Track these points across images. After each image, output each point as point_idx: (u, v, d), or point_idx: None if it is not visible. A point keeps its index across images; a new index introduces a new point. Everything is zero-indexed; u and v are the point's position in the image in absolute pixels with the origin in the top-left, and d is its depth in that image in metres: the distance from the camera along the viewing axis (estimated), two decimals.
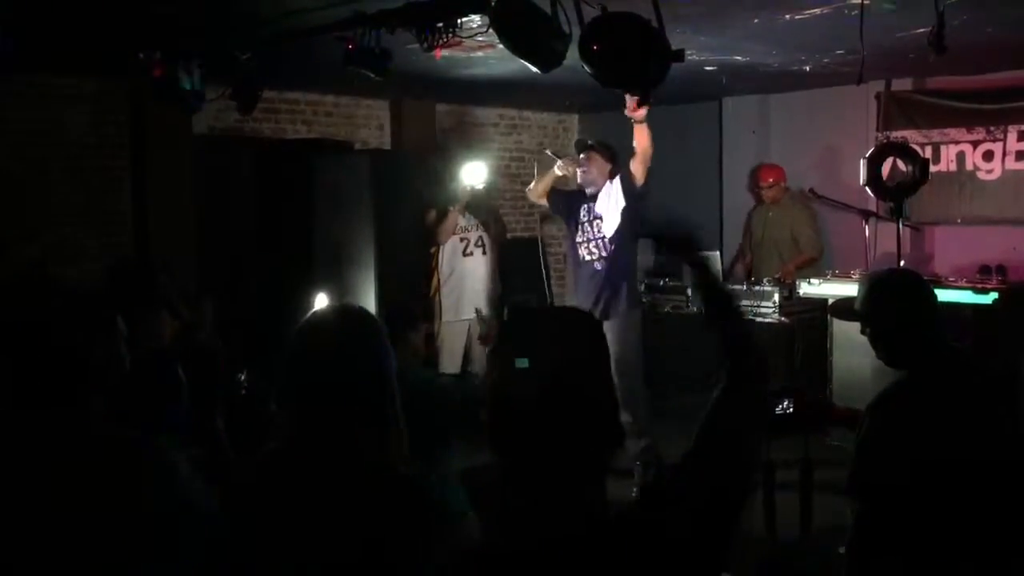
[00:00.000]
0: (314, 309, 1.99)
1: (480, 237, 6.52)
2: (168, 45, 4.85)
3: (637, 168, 5.26)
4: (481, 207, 6.60)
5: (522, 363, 1.38)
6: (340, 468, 1.83)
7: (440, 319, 6.47)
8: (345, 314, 2.05)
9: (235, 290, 6.21)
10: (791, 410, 2.81)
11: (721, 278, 1.77)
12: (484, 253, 6.52)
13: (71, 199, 6.26)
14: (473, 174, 6.31)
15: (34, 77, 6.02)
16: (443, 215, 6.39)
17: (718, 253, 6.94)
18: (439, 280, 6.51)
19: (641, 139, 5.22)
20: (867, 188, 5.96)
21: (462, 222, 6.46)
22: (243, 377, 3.48)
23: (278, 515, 1.82)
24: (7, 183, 5.91)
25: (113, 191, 6.47)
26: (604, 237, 5.42)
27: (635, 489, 5.12)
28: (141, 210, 6.49)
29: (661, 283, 7.12)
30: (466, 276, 6.47)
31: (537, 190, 5.77)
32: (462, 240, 6.48)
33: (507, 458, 1.42)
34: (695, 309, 6.88)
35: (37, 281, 1.97)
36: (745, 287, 6.65)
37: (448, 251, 6.48)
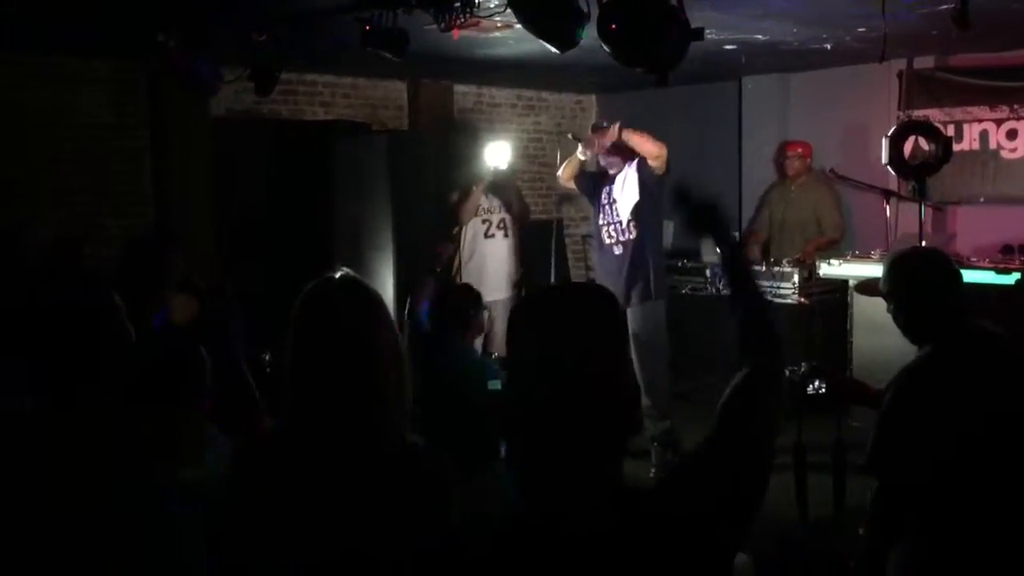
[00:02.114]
0: (311, 283, 1.94)
1: (503, 219, 6.50)
2: (186, 27, 4.86)
3: (653, 164, 5.27)
4: (504, 188, 6.58)
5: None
6: (341, 442, 1.81)
7: None
8: (338, 286, 1.98)
9: (254, 271, 6.23)
10: (823, 390, 2.79)
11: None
12: (506, 236, 6.51)
13: (91, 179, 6.30)
14: (496, 154, 6.30)
15: (54, 59, 6.05)
16: (466, 195, 6.38)
17: (737, 234, 6.90)
18: (460, 261, 6.51)
19: (640, 146, 5.28)
20: (889, 167, 5.91)
21: (485, 203, 6.44)
22: (267, 357, 3.49)
23: (286, 496, 1.79)
24: (28, 163, 5.96)
25: (133, 172, 6.51)
26: (621, 221, 5.43)
27: (652, 470, 5.13)
28: (161, 191, 6.52)
29: (680, 264, 7.10)
30: (487, 258, 6.46)
31: (564, 175, 5.80)
32: (484, 222, 6.47)
33: (522, 440, 1.42)
34: (714, 290, 6.86)
35: (56, 267, 1.98)
36: (764, 267, 6.61)
37: (470, 232, 6.47)
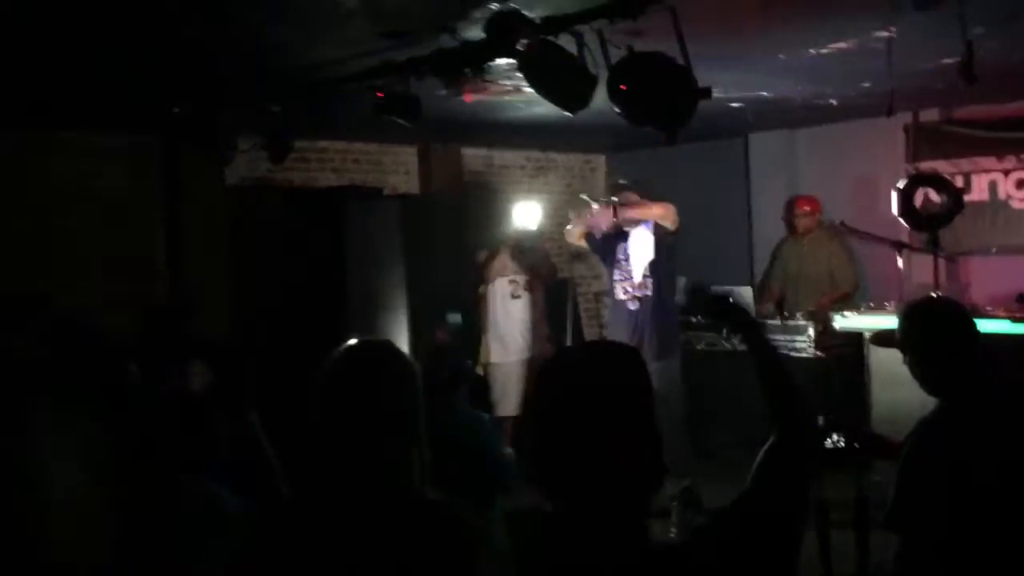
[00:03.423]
0: (337, 347, 1.95)
1: (529, 281, 6.54)
2: (201, 98, 4.95)
3: (664, 223, 5.34)
4: (532, 249, 6.62)
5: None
6: (366, 505, 1.80)
7: (489, 359, 6.51)
8: (363, 349, 1.99)
9: (270, 338, 6.24)
10: (842, 444, 2.77)
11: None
12: (532, 297, 6.54)
13: (108, 251, 6.35)
14: (525, 215, 6.34)
15: (69, 133, 6.15)
16: (493, 255, 6.43)
17: (749, 288, 6.90)
18: (487, 320, 6.54)
19: (644, 215, 5.35)
20: (901, 219, 5.92)
21: (512, 265, 6.48)
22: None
23: (313, 561, 1.78)
24: (46, 236, 6.02)
25: (148, 243, 6.57)
26: (636, 277, 5.45)
27: (673, 529, 5.07)
28: (176, 261, 6.57)
29: (694, 320, 7.09)
30: (513, 319, 6.49)
31: (575, 233, 5.83)
32: (511, 282, 6.50)
33: (552, 495, 1.42)
34: (729, 346, 6.83)
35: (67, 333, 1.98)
36: (779, 321, 6.59)
37: (498, 293, 6.51)
